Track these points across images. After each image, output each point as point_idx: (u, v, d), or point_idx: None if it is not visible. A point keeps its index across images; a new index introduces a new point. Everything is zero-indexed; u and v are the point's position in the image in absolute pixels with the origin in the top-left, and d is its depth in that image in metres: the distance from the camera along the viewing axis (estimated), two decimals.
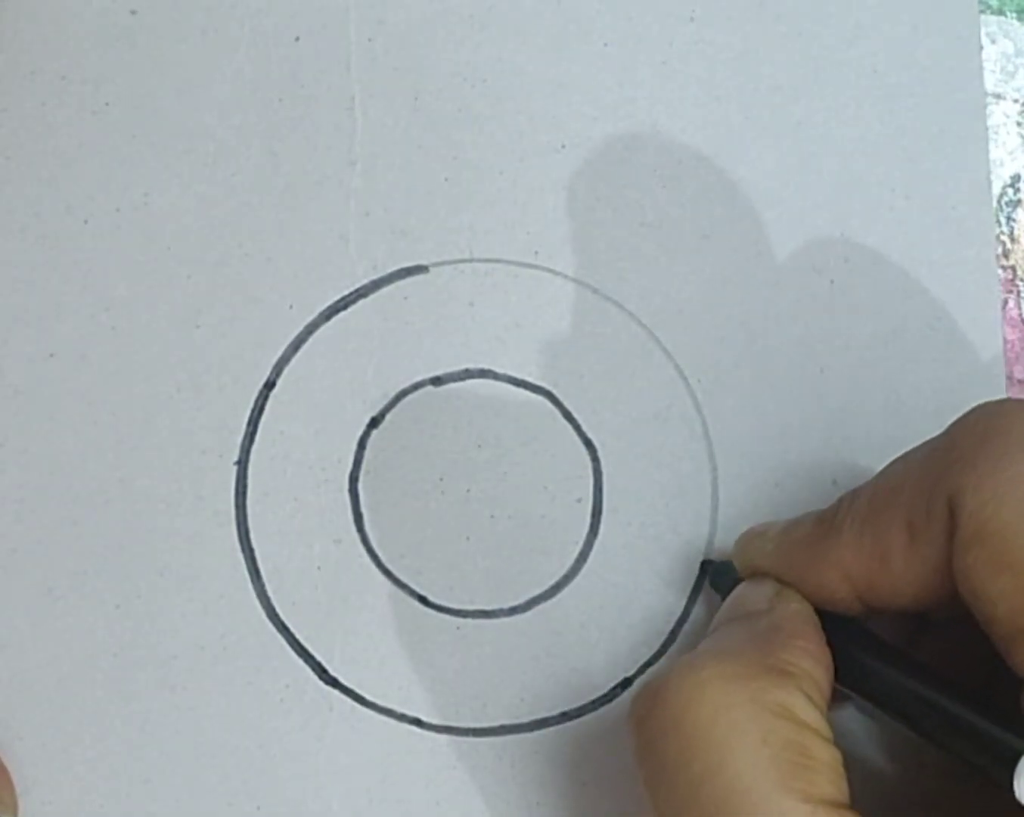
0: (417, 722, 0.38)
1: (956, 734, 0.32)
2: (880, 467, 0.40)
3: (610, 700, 0.38)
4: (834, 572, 0.33)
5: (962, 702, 0.32)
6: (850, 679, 0.33)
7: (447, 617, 0.39)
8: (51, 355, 0.39)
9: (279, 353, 0.39)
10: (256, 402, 0.39)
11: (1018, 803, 0.29)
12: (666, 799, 0.30)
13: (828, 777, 0.30)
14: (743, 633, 0.33)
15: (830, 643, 0.33)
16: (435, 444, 0.39)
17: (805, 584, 0.34)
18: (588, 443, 0.39)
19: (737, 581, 0.37)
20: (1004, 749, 0.30)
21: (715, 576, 0.39)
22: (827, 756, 0.30)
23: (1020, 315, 0.41)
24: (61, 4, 0.40)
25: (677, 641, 0.39)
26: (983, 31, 0.42)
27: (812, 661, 0.32)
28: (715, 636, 0.34)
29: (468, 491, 0.39)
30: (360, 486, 0.39)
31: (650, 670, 0.38)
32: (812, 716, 0.30)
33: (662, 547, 0.39)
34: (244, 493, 0.39)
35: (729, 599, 0.35)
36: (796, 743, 0.30)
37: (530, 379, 0.39)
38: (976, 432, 0.31)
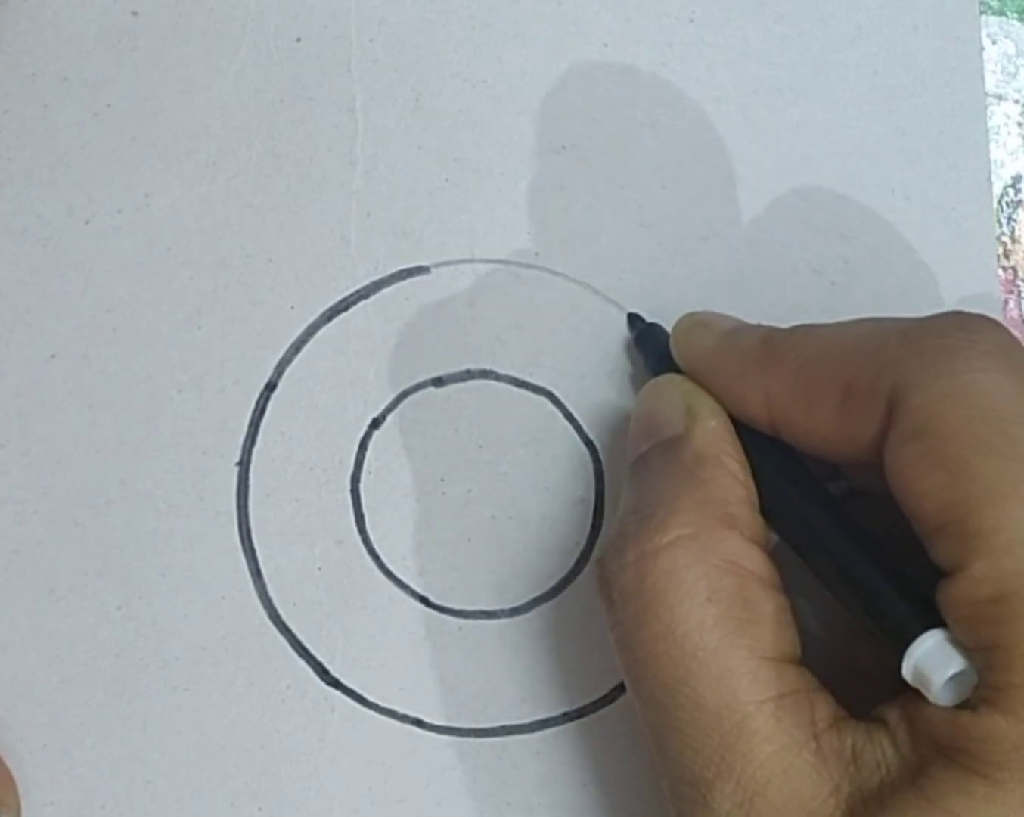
0: (418, 723, 0.38)
1: (861, 596, 0.32)
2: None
3: (611, 701, 0.38)
4: (759, 397, 0.33)
5: (876, 565, 0.32)
6: (767, 504, 0.33)
7: (448, 618, 0.39)
8: (52, 356, 0.39)
9: (280, 354, 0.39)
10: (257, 403, 0.39)
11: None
12: (629, 660, 0.32)
13: (773, 630, 0.31)
14: (670, 475, 0.33)
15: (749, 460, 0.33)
16: (436, 445, 0.39)
17: (727, 394, 0.34)
18: (589, 443, 0.39)
19: (659, 350, 0.37)
20: (903, 625, 0.30)
21: (640, 335, 0.38)
22: (772, 607, 0.32)
23: (1020, 315, 0.41)
24: (62, 5, 0.40)
25: None
26: (984, 32, 0.42)
27: (741, 488, 0.33)
28: (645, 478, 0.34)
29: (469, 492, 0.39)
30: (361, 487, 0.39)
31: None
32: (757, 563, 0.32)
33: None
34: (246, 494, 0.39)
35: (641, 406, 0.35)
36: (741, 598, 0.31)
37: (531, 380, 0.39)
38: (941, 333, 0.31)
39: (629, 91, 0.41)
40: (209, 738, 0.38)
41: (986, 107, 0.41)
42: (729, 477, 0.33)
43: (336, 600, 0.38)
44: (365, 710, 0.38)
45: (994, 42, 0.42)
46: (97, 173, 0.39)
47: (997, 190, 0.41)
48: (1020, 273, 0.41)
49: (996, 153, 0.41)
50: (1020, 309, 0.41)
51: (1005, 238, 0.42)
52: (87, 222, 0.39)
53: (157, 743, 0.38)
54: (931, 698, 0.29)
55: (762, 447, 0.34)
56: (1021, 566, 0.28)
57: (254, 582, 0.38)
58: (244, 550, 0.38)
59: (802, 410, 0.32)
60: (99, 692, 0.38)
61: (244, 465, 0.39)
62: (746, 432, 0.34)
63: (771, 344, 0.33)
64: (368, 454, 0.39)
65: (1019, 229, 0.42)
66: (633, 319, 0.39)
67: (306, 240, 0.39)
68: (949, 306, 0.41)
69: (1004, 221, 0.42)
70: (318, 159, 0.40)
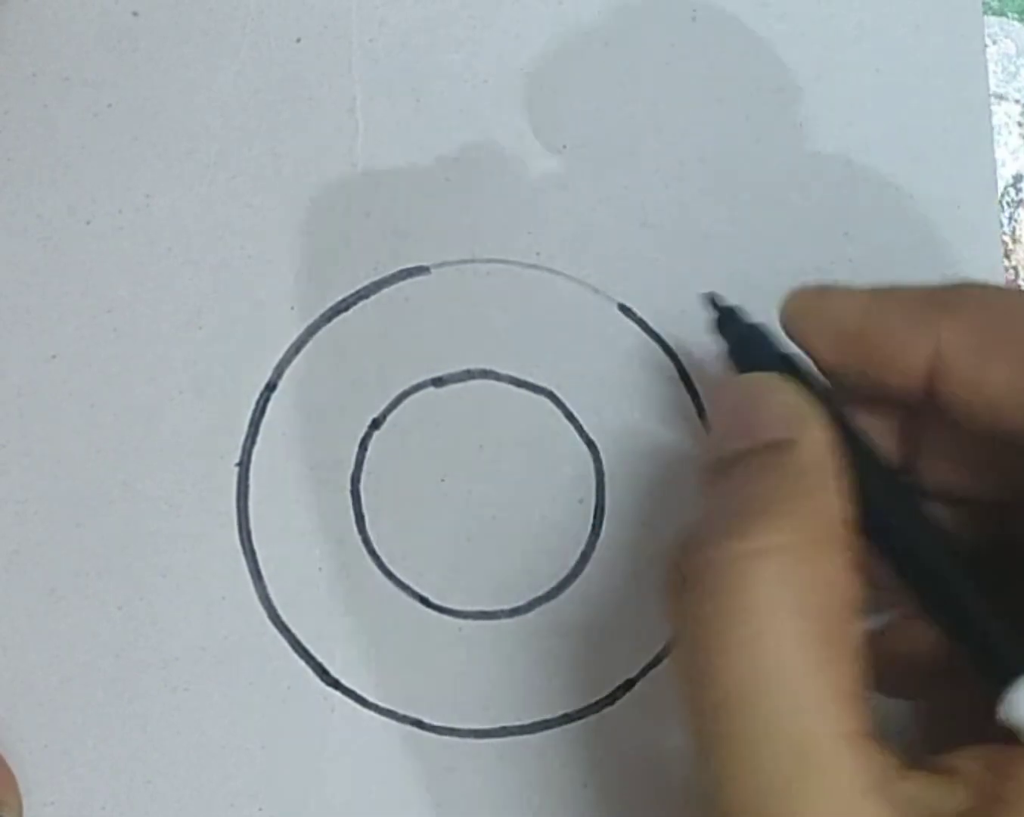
0: (418, 723, 0.38)
1: (965, 626, 0.30)
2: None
3: (612, 702, 0.38)
4: (929, 347, 0.31)
5: (982, 602, 0.30)
6: (870, 526, 0.31)
7: (448, 618, 0.39)
8: (53, 356, 0.39)
9: (280, 354, 0.39)
10: (257, 404, 0.39)
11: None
12: (697, 669, 0.29)
13: (856, 661, 0.29)
14: (774, 480, 0.30)
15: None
16: (436, 445, 0.39)
17: (885, 348, 0.32)
18: (590, 443, 0.39)
19: (740, 337, 0.35)
20: (1007, 662, 0.29)
21: (724, 320, 0.36)
22: (857, 637, 0.29)
23: None
24: (63, 5, 0.40)
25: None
26: (984, 32, 0.41)
27: (845, 507, 0.30)
28: (743, 477, 0.31)
29: (469, 492, 0.39)
30: (361, 487, 0.39)
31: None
32: (851, 587, 0.29)
33: (664, 548, 0.39)
34: (246, 495, 0.39)
35: (735, 402, 0.33)
36: (833, 621, 0.29)
37: (531, 380, 0.39)
38: None
39: (631, 90, 0.41)
40: (209, 738, 0.38)
41: (990, 105, 0.41)
42: (835, 493, 0.30)
43: (336, 600, 0.38)
44: (365, 711, 0.38)
45: (994, 42, 0.42)
46: (98, 173, 0.39)
47: (998, 189, 0.41)
48: (1022, 272, 0.41)
49: (997, 153, 0.41)
50: None
51: (1006, 237, 0.41)
52: (88, 222, 0.39)
53: (157, 743, 0.38)
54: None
55: (869, 463, 0.32)
56: None
57: (254, 582, 0.38)
58: (244, 550, 0.38)
59: (980, 361, 0.30)
60: (99, 692, 0.38)
61: (244, 465, 0.39)
62: (854, 446, 0.32)
63: (939, 296, 0.32)
64: (368, 454, 0.39)
65: (1020, 229, 0.42)
66: (713, 301, 0.36)
67: (306, 240, 0.39)
68: None
69: (1005, 221, 0.41)
70: (318, 159, 0.40)
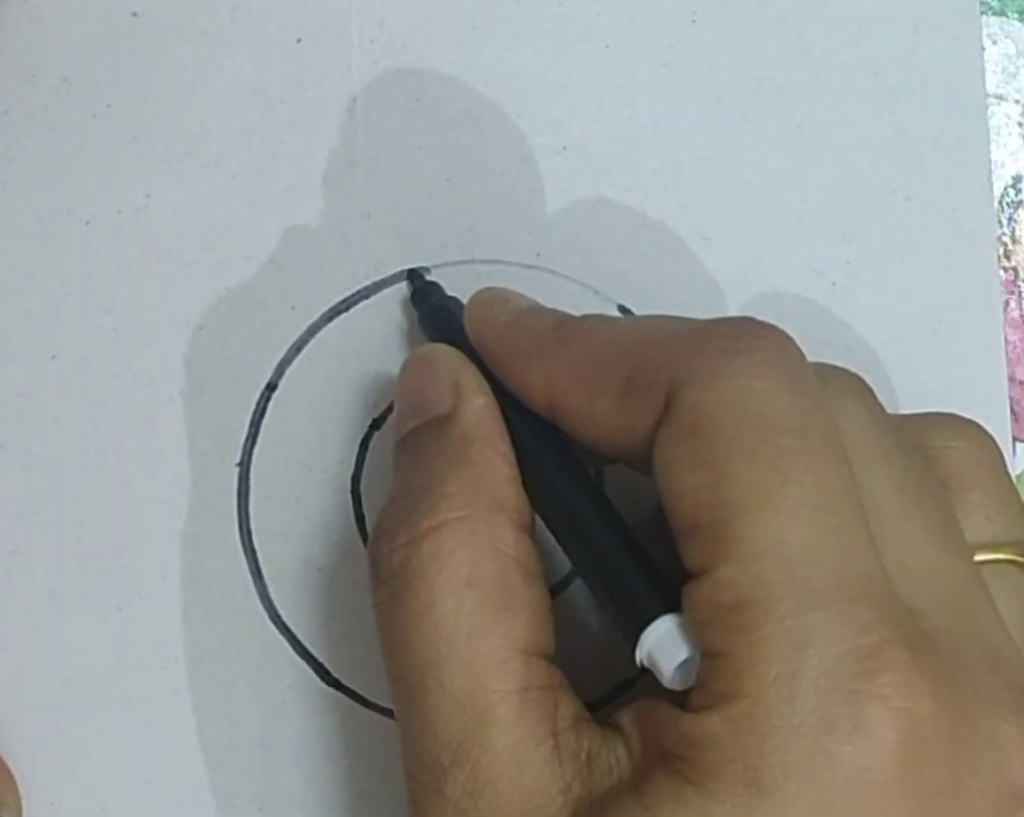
0: None
1: (607, 578, 0.32)
2: None
3: (611, 701, 0.38)
4: (542, 379, 0.33)
5: (626, 550, 0.31)
6: (527, 483, 0.33)
7: None
8: (52, 357, 0.39)
9: (281, 355, 0.39)
10: (258, 404, 0.39)
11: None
12: (386, 639, 0.32)
13: (530, 621, 0.31)
14: (440, 455, 0.33)
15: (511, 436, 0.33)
16: None
17: (511, 371, 0.34)
18: None
19: (431, 308, 0.37)
20: (643, 609, 0.30)
21: (418, 293, 0.38)
22: (531, 597, 0.32)
23: (1021, 316, 0.41)
24: (63, 6, 0.40)
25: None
26: (984, 32, 0.42)
27: (509, 469, 0.33)
28: (412, 459, 0.34)
29: None
30: (362, 488, 0.39)
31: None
32: (521, 549, 0.32)
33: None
34: (246, 495, 0.39)
35: (407, 378, 0.35)
36: (502, 585, 0.31)
37: None
38: (727, 336, 0.30)
39: (630, 92, 0.41)
40: (209, 739, 0.38)
41: (987, 108, 0.41)
42: (498, 458, 0.33)
43: (337, 601, 0.38)
44: (366, 711, 0.38)
45: (994, 42, 0.42)
46: (97, 173, 0.39)
47: (997, 190, 0.41)
48: (1021, 273, 0.41)
49: (996, 153, 0.41)
50: (1021, 310, 0.41)
51: (1006, 238, 0.42)
52: (87, 223, 0.39)
53: (157, 744, 0.38)
54: (664, 683, 0.29)
55: (528, 424, 0.33)
56: (766, 577, 0.27)
57: (254, 583, 0.38)
58: (244, 551, 0.38)
59: (582, 397, 0.32)
60: (99, 693, 0.38)
61: (244, 466, 0.39)
62: (514, 409, 0.34)
63: (562, 329, 0.33)
64: (369, 455, 0.39)
65: (1020, 229, 0.42)
66: (411, 275, 0.39)
67: (306, 241, 0.39)
68: (951, 308, 0.41)
69: (1005, 221, 0.42)
70: (318, 160, 0.40)
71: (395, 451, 0.35)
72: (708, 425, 0.29)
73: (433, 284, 0.39)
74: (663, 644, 0.29)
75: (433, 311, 0.38)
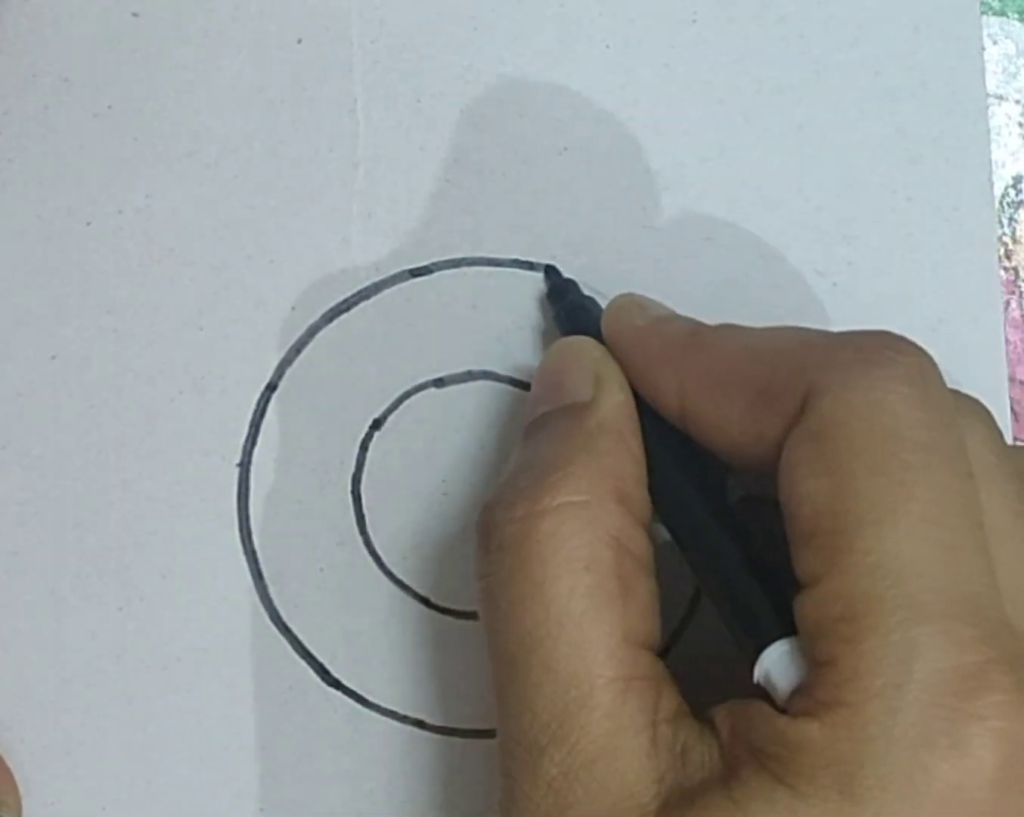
0: (420, 724, 0.38)
1: (729, 592, 0.32)
2: None
3: None
4: (675, 385, 0.33)
5: (749, 565, 0.32)
6: (654, 487, 0.33)
7: (450, 619, 0.39)
8: (53, 357, 0.39)
9: (281, 355, 0.39)
10: (258, 404, 0.39)
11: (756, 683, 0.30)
12: (492, 613, 0.32)
13: (640, 613, 0.31)
14: (570, 440, 0.33)
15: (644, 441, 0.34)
16: (437, 446, 0.39)
17: (645, 375, 0.34)
18: None
19: (570, 305, 0.37)
20: (762, 627, 0.31)
21: (554, 289, 0.39)
22: (644, 590, 0.32)
23: (1022, 316, 0.41)
24: (63, 6, 0.40)
25: (681, 641, 0.39)
26: (985, 32, 0.42)
27: (636, 467, 0.33)
28: (543, 439, 0.34)
29: (471, 493, 0.39)
30: (362, 488, 0.39)
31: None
32: (639, 543, 0.32)
33: (663, 549, 0.39)
34: (246, 495, 0.39)
35: (547, 365, 0.36)
36: (617, 574, 0.31)
37: (532, 381, 0.39)
38: (864, 347, 0.31)
39: (631, 93, 0.41)
40: (210, 739, 0.38)
41: (987, 108, 0.41)
42: (627, 453, 0.33)
43: (337, 601, 0.38)
44: (366, 711, 0.38)
45: (995, 42, 0.42)
46: (98, 174, 0.39)
47: (998, 190, 0.41)
48: (1021, 273, 0.41)
49: (997, 153, 0.41)
50: (1022, 309, 0.41)
51: (1006, 239, 0.42)
52: (88, 223, 0.39)
53: (158, 744, 0.38)
54: (779, 703, 0.29)
55: (660, 431, 0.34)
56: (877, 591, 0.28)
57: (255, 583, 0.38)
58: (245, 551, 0.38)
59: (714, 403, 0.32)
60: (100, 693, 0.38)
61: (245, 466, 0.39)
62: (648, 414, 0.34)
63: (696, 336, 0.34)
64: (369, 455, 0.39)
65: (1020, 229, 0.42)
66: (549, 271, 0.39)
67: (307, 241, 0.39)
68: (951, 308, 0.41)
69: (1005, 221, 0.42)
70: (319, 160, 0.40)
71: (524, 433, 0.35)
72: (837, 433, 0.29)
73: (570, 281, 0.39)
74: (778, 666, 0.30)
75: (571, 308, 0.38)
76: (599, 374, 0.34)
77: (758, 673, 0.30)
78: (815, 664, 0.29)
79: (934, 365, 0.31)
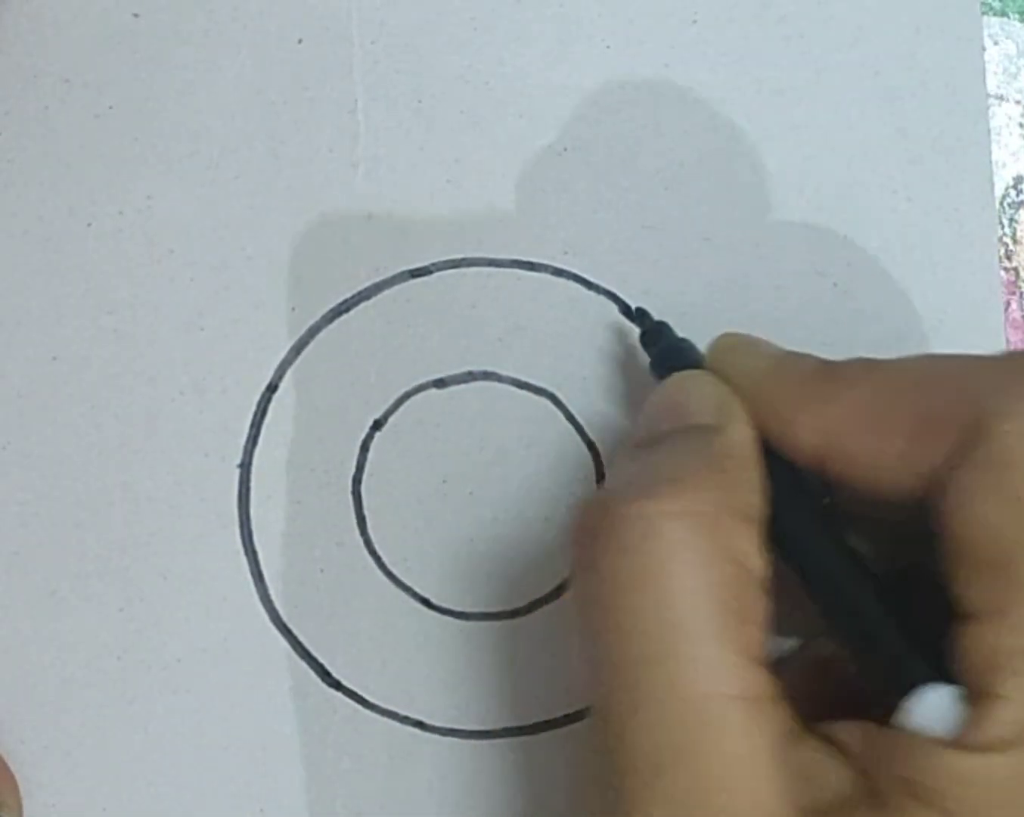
0: (420, 725, 0.38)
1: (866, 633, 0.31)
2: None
3: None
4: (816, 423, 0.32)
5: (884, 607, 0.31)
6: (778, 530, 0.32)
7: (450, 620, 0.39)
8: (53, 358, 0.39)
9: (282, 355, 0.39)
10: (259, 404, 0.39)
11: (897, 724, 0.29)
12: (602, 621, 0.30)
13: (762, 632, 0.30)
14: (696, 455, 0.31)
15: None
16: (438, 446, 0.39)
17: (778, 417, 0.32)
18: (591, 445, 0.39)
19: (666, 353, 0.36)
20: (907, 672, 0.30)
21: (649, 333, 0.37)
22: (764, 611, 0.31)
23: (1023, 317, 0.41)
24: (64, 6, 0.40)
25: None
26: (985, 33, 0.41)
27: (762, 499, 0.31)
28: (666, 450, 0.32)
29: (471, 493, 0.39)
30: (363, 489, 0.39)
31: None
32: (761, 566, 0.31)
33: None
34: (247, 496, 0.39)
35: (667, 394, 0.34)
36: (743, 595, 0.30)
37: (533, 381, 0.39)
38: None
39: (631, 93, 0.41)
40: (210, 740, 0.38)
41: (988, 108, 0.41)
42: (750, 482, 0.31)
43: (338, 602, 0.38)
44: (367, 712, 0.38)
45: (995, 43, 0.42)
46: (98, 174, 0.39)
47: (998, 191, 0.41)
48: (1022, 274, 0.41)
49: (997, 154, 0.41)
50: (1022, 310, 0.41)
51: (1007, 239, 0.41)
52: (88, 224, 0.39)
53: (158, 745, 0.38)
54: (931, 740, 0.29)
55: (783, 470, 0.32)
56: None
57: (255, 584, 0.38)
58: (245, 552, 0.38)
59: (867, 440, 0.31)
60: (100, 694, 0.38)
61: (246, 467, 0.39)
62: (771, 454, 0.32)
63: (833, 372, 0.32)
64: (370, 456, 0.39)
65: (1020, 230, 0.42)
66: (642, 315, 0.38)
67: (307, 241, 0.39)
68: (952, 308, 0.41)
69: (1006, 222, 0.42)
70: (319, 160, 0.40)
71: (634, 445, 0.33)
72: (1022, 456, 0.28)
73: (663, 324, 0.37)
74: (932, 713, 0.29)
75: (670, 353, 0.36)
76: (723, 405, 0.33)
77: (902, 717, 0.29)
78: (983, 697, 0.28)
79: None
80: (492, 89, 0.40)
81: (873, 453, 0.31)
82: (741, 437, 0.32)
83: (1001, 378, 0.30)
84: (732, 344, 0.35)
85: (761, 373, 0.33)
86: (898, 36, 0.41)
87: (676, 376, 0.34)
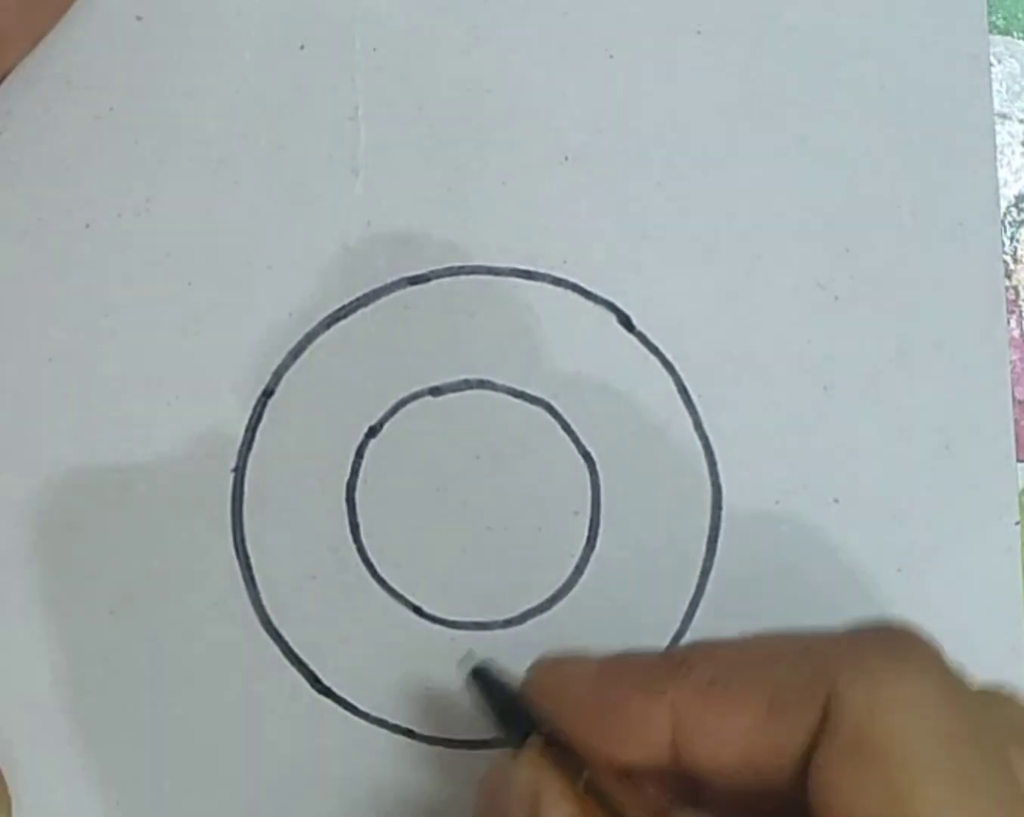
0: (410, 733, 0.38)
1: None
2: (882, 486, 0.40)
3: None
4: (664, 713, 0.30)
5: None
6: None
7: (441, 628, 0.39)
8: (49, 359, 0.39)
9: (278, 361, 0.39)
10: (255, 409, 0.39)
11: None
12: None
13: None
14: None
15: None
16: (433, 454, 0.39)
17: (619, 721, 0.31)
18: (586, 456, 0.39)
19: (499, 693, 0.34)
20: None
21: (475, 675, 0.34)
22: None
23: (1022, 335, 0.41)
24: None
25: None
26: (989, 51, 0.41)
27: None
28: None
29: (465, 502, 0.39)
30: (357, 495, 0.39)
31: None
32: None
33: (660, 562, 0.39)
34: (241, 500, 0.39)
35: (484, 792, 0.33)
36: None
37: (529, 390, 0.39)
38: (881, 643, 0.29)
39: (633, 103, 0.41)
40: (200, 745, 0.38)
41: (993, 125, 0.41)
42: None
43: (329, 608, 0.38)
44: (356, 719, 0.38)
45: (999, 61, 0.42)
46: (98, 176, 0.39)
47: (1000, 209, 0.41)
48: (1022, 293, 0.41)
49: (1000, 172, 0.41)
50: (1021, 328, 0.41)
51: (1007, 257, 0.41)
52: (87, 225, 0.39)
53: (148, 749, 0.38)
54: None
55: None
56: None
57: (247, 589, 0.38)
58: (238, 556, 0.38)
59: (718, 722, 0.29)
60: (91, 697, 0.38)
61: (240, 471, 0.39)
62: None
63: (674, 657, 0.32)
64: (364, 462, 0.39)
65: (1022, 249, 0.41)
66: (464, 660, 0.34)
67: (306, 247, 0.39)
68: (954, 324, 0.40)
69: (1007, 241, 0.41)
70: (320, 166, 0.40)
71: None
72: (880, 738, 0.27)
73: (490, 661, 0.34)
74: None
75: (495, 704, 0.34)
76: (535, 793, 0.31)
77: None
78: None
79: (941, 649, 0.30)
80: (493, 97, 0.40)
81: (726, 735, 0.29)
82: None
83: (849, 655, 0.29)
84: (555, 661, 0.33)
85: (592, 678, 0.32)
86: (904, 52, 0.41)
87: (493, 767, 0.33)
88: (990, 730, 0.28)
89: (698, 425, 0.40)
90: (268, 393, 0.39)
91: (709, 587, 0.39)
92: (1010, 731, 0.29)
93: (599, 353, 0.40)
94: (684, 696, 0.30)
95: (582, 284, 0.40)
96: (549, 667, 0.33)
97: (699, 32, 0.41)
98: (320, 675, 0.38)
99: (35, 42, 0.38)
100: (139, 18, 0.40)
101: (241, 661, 0.38)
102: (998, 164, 0.41)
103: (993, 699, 0.30)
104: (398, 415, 0.39)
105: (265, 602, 0.38)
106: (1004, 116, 0.42)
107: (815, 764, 0.28)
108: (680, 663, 0.31)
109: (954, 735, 0.28)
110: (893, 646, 0.29)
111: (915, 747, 0.27)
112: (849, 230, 0.41)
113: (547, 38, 0.40)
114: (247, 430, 0.39)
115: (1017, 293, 0.41)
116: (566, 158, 0.40)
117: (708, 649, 0.31)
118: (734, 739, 0.29)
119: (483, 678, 0.34)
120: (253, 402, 0.39)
